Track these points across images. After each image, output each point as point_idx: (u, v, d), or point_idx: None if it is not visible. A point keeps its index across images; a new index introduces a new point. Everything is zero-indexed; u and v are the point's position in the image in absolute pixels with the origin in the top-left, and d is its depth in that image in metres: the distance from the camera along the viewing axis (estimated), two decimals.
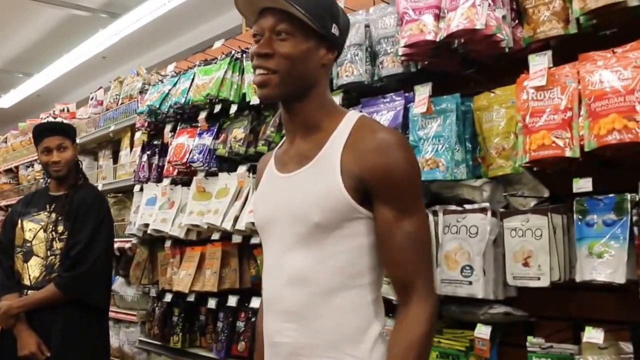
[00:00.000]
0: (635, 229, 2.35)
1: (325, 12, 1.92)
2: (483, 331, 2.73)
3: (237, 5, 1.97)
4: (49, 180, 4.27)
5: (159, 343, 4.84)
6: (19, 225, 4.06)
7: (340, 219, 1.87)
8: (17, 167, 8.63)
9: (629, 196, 2.39)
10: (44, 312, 3.79)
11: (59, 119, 4.32)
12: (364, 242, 1.90)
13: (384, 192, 1.85)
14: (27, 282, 3.91)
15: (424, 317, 1.84)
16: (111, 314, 5.55)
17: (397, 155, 1.85)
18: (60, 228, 3.92)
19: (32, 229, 4.00)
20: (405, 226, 1.84)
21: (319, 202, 1.87)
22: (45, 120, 4.31)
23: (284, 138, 2.13)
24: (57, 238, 3.91)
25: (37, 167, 7.74)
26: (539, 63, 2.60)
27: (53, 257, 3.89)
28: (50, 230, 3.93)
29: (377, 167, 1.83)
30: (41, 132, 4.08)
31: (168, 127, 4.79)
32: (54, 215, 3.98)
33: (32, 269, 3.91)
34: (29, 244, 3.97)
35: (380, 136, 1.87)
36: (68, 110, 7.41)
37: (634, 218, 2.36)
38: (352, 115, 1.98)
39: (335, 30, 1.94)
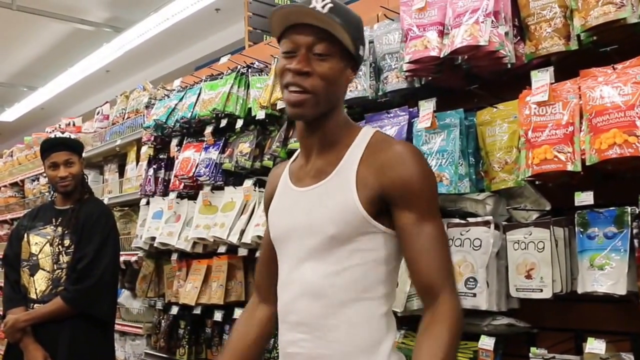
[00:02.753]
0: (636, 241, 2.38)
1: (358, 34, 1.96)
2: (487, 342, 2.76)
3: (274, 15, 1.93)
4: (54, 194, 4.26)
5: (165, 356, 4.84)
6: (25, 239, 4.05)
7: (355, 233, 1.89)
8: (22, 181, 8.63)
9: (629, 209, 2.43)
10: (50, 325, 3.79)
11: (66, 134, 4.29)
12: (377, 256, 1.92)
13: (404, 201, 1.87)
14: (33, 295, 3.90)
15: (452, 320, 1.83)
16: (117, 327, 5.55)
17: (415, 165, 1.89)
18: (67, 242, 3.93)
19: (38, 242, 4.00)
20: (428, 229, 1.87)
21: (335, 215, 1.89)
22: (52, 136, 4.28)
23: (297, 152, 2.15)
24: (63, 252, 3.91)
25: (43, 180, 7.75)
26: (541, 79, 2.64)
27: (59, 270, 3.89)
28: (56, 244, 3.93)
29: (397, 179, 1.87)
30: (49, 147, 4.08)
31: (174, 142, 4.81)
32: (60, 229, 3.98)
33: (39, 283, 3.91)
34: (35, 258, 3.96)
35: (396, 148, 1.91)
36: (74, 125, 7.43)
37: (634, 230, 2.40)
38: (368, 131, 2.01)
39: (362, 51, 1.98)
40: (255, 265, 4.09)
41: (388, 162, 1.89)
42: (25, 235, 4.06)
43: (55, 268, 3.90)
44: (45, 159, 4.08)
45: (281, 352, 2.04)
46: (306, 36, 1.89)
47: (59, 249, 3.92)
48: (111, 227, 4.10)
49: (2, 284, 5.29)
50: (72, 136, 4.33)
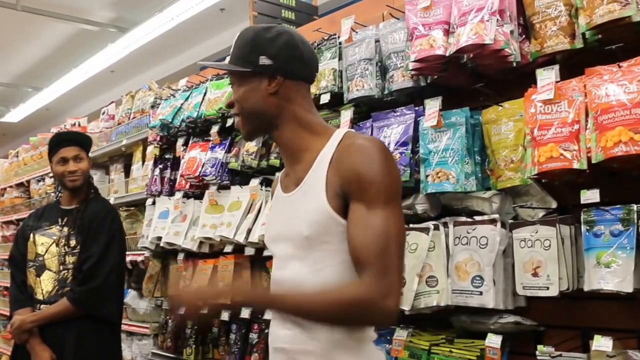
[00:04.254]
0: None
1: (247, 50, 2.08)
2: (494, 340, 2.76)
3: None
4: (60, 193, 4.21)
5: (172, 355, 4.86)
6: (31, 240, 4.02)
7: (327, 233, 1.96)
8: (28, 182, 8.66)
9: (635, 207, 2.43)
10: (56, 326, 3.78)
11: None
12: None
13: (355, 192, 1.91)
14: (39, 296, 3.88)
15: (343, 297, 1.89)
16: (124, 327, 5.54)
17: (368, 156, 1.92)
18: (73, 242, 3.91)
19: (44, 243, 3.98)
20: (371, 220, 1.88)
21: (307, 216, 1.99)
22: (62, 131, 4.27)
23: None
24: (69, 252, 3.90)
25: (48, 181, 7.77)
26: (546, 77, 2.64)
27: (65, 271, 3.87)
28: (62, 244, 3.92)
29: (349, 170, 1.93)
30: (58, 142, 4.06)
31: (180, 141, 4.83)
32: (66, 229, 3.97)
33: (45, 284, 3.89)
34: (41, 259, 3.94)
35: (356, 142, 1.97)
36: (79, 125, 7.43)
37: None
38: (339, 133, 2.07)
39: (264, 60, 2.05)
40: (262, 265, 4.13)
41: (345, 156, 1.96)
42: (31, 236, 4.03)
43: (61, 269, 3.88)
44: (54, 154, 4.03)
45: (270, 346, 2.15)
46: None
47: (65, 249, 3.91)
48: (117, 228, 4.08)
49: (8, 285, 5.27)
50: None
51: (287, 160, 2.17)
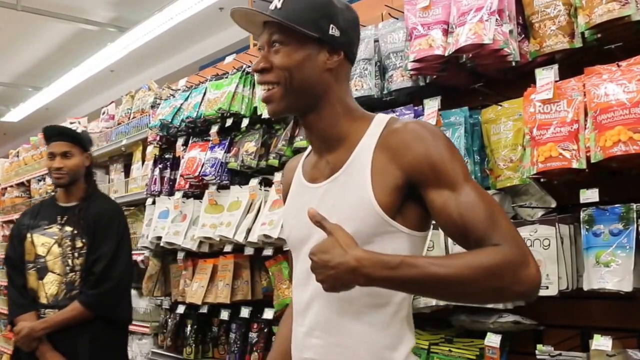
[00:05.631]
0: None
1: (319, 14, 1.83)
2: (493, 340, 2.77)
3: (239, 23, 1.92)
4: (56, 189, 4.06)
5: (172, 355, 4.87)
6: (29, 239, 3.85)
7: (371, 233, 1.75)
8: (29, 181, 8.65)
9: (634, 206, 2.43)
10: (67, 331, 3.65)
11: (74, 126, 4.20)
12: None
13: (432, 181, 1.73)
14: (43, 300, 3.73)
15: (496, 258, 1.61)
16: None
17: (431, 139, 1.75)
18: (79, 243, 3.77)
19: (45, 243, 3.81)
20: (467, 197, 1.71)
21: (348, 214, 1.77)
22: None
23: (311, 147, 2.05)
24: (75, 253, 3.75)
25: (49, 180, 7.75)
26: (545, 77, 2.65)
27: (73, 273, 3.73)
28: (66, 245, 3.77)
29: (418, 158, 1.74)
30: (49, 136, 3.94)
31: (180, 141, 4.84)
32: (67, 228, 3.82)
33: (49, 287, 3.73)
34: (42, 260, 3.78)
35: (409, 127, 1.80)
36: (79, 124, 7.43)
37: None
38: (381, 118, 1.89)
39: (334, 30, 1.84)
40: (261, 264, 4.14)
41: (403, 144, 1.76)
42: (29, 235, 3.86)
43: (67, 271, 3.74)
44: (47, 147, 3.94)
45: (294, 355, 1.95)
46: (265, 33, 1.87)
47: (70, 250, 3.76)
48: (125, 226, 3.98)
49: (4, 285, 5.11)
50: (80, 129, 4.17)
51: (318, 148, 1.94)
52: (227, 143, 4.35)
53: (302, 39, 1.82)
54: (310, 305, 1.88)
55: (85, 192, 3.97)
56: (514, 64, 2.80)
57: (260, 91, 1.93)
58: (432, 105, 3.00)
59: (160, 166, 5.11)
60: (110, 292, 3.72)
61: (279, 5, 1.82)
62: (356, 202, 1.78)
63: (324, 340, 1.84)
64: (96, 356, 3.69)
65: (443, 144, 1.76)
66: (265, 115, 3.97)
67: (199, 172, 4.38)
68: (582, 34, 2.60)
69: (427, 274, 1.61)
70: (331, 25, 1.83)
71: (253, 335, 4.20)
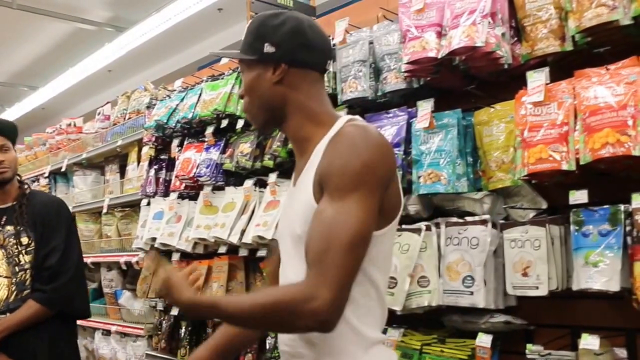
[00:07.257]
0: (629, 238, 2.41)
1: (252, 38, 2.04)
2: (484, 340, 2.78)
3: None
4: None
5: (166, 357, 4.87)
6: None
7: None
8: None
9: (622, 207, 2.46)
10: (23, 334, 3.46)
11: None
12: None
13: (325, 184, 1.82)
14: None
15: (277, 297, 1.79)
16: (118, 328, 5.61)
17: (346, 145, 1.82)
18: (25, 240, 3.61)
19: None
20: (323, 213, 1.78)
21: (299, 214, 1.91)
22: None
23: None
24: (22, 251, 3.59)
25: (43, 181, 7.72)
26: (536, 79, 2.67)
27: (22, 272, 3.57)
28: (10, 244, 3.61)
29: (327, 160, 1.85)
30: None
31: (175, 142, 4.83)
32: (8, 227, 3.65)
33: None
34: None
35: (343, 131, 1.89)
36: (75, 125, 7.43)
37: (628, 228, 2.43)
38: (340, 121, 1.97)
39: (268, 48, 1.98)
40: (255, 266, 4.16)
41: (331, 146, 1.88)
42: None
43: (16, 270, 3.58)
44: None
45: (279, 348, 2.08)
46: None
47: (15, 248, 3.61)
48: (71, 218, 3.90)
49: None
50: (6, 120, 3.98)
51: (295, 153, 2.08)
52: (222, 144, 4.35)
53: (249, 64, 2.05)
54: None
55: (21, 190, 3.79)
56: (506, 66, 2.82)
57: None
58: (425, 107, 3.02)
59: (155, 167, 5.10)
60: (67, 285, 3.58)
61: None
62: (304, 204, 1.90)
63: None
64: (55, 356, 3.56)
65: (357, 154, 1.80)
66: None
67: (194, 173, 4.38)
68: (573, 37, 2.62)
69: (228, 314, 1.86)
70: (265, 44, 2.00)
71: None
